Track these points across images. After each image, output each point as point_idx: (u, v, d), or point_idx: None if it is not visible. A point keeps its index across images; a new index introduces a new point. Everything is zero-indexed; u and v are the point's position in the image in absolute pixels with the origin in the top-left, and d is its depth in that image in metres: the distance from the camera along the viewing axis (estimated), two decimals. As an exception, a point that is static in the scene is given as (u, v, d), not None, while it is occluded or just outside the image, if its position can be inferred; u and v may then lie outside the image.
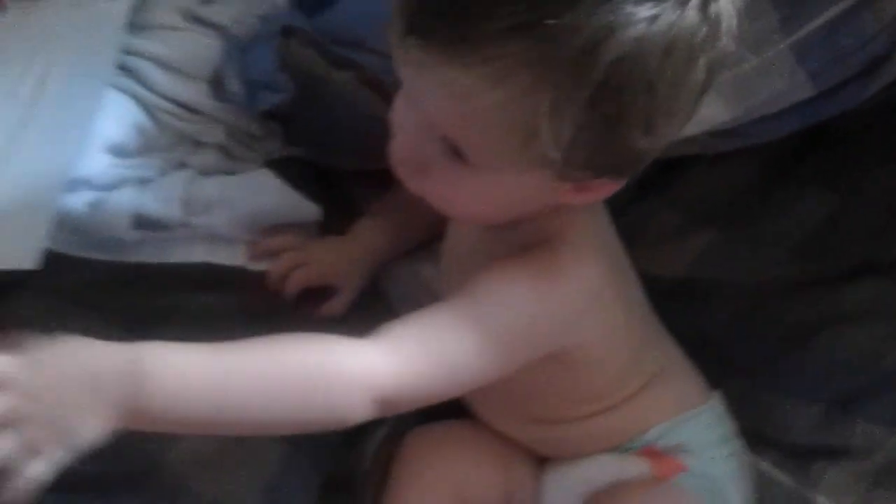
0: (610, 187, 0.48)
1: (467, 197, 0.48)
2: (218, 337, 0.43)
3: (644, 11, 0.38)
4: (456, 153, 0.45)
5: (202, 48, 0.67)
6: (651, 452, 0.60)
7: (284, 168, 0.66)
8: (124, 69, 0.64)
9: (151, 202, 0.57)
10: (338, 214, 0.68)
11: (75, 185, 0.58)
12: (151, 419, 0.38)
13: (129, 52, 0.65)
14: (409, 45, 0.42)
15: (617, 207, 0.60)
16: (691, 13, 0.40)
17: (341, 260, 0.65)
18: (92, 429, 0.37)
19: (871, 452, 0.63)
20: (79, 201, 0.57)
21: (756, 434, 0.65)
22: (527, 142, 0.42)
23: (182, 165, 0.63)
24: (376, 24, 0.65)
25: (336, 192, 0.70)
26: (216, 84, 0.67)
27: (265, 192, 0.62)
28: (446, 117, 0.44)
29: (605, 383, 0.58)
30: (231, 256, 0.60)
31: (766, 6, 0.59)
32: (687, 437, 0.60)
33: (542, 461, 0.65)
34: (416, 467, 0.62)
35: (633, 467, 0.60)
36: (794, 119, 0.62)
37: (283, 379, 0.41)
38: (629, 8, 0.38)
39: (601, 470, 0.60)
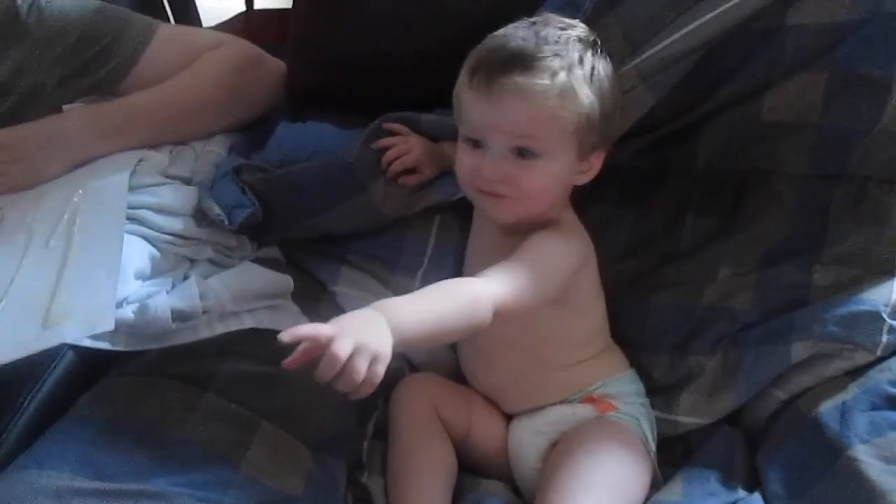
0: (597, 162, 0.80)
1: (538, 184, 0.77)
2: (245, 382, 0.75)
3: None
4: (524, 156, 0.75)
5: (181, 194, 0.90)
6: (590, 398, 0.84)
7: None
8: (130, 219, 0.85)
9: (179, 301, 0.78)
10: (303, 288, 0.91)
11: (119, 304, 0.77)
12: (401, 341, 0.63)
13: (130, 207, 0.86)
14: (497, 79, 0.74)
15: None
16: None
17: (427, 152, 0.93)
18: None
19: (701, 374, 0.88)
20: (127, 312, 0.76)
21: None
22: (575, 129, 0.75)
23: (186, 278, 0.85)
24: (311, 152, 0.93)
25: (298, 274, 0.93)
26: (199, 216, 0.89)
27: (253, 275, 0.85)
28: (524, 122, 0.74)
29: (583, 335, 0.85)
30: (239, 324, 0.82)
31: None
32: (614, 390, 0.85)
33: (506, 417, 0.88)
34: (403, 389, 0.88)
35: (581, 410, 0.84)
36: None
37: (455, 304, 0.69)
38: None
39: (557, 416, 0.84)
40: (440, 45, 0.82)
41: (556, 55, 0.75)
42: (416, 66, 1.02)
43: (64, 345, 0.74)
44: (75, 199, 0.86)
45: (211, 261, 0.88)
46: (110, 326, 0.72)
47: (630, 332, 0.92)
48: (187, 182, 0.92)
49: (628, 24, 0.89)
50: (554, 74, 0.74)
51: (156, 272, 0.84)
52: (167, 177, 0.91)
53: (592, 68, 0.77)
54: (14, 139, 0.88)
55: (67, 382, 0.75)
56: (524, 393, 0.87)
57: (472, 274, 0.77)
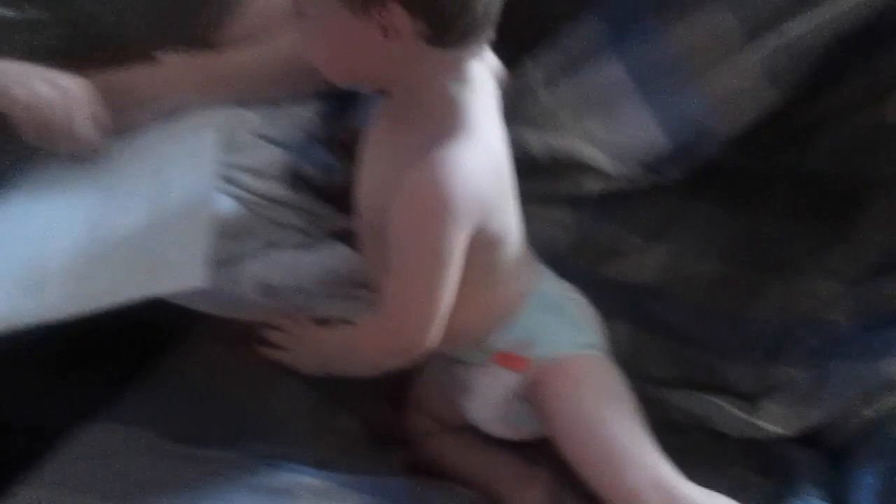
0: (393, 18, 0.58)
1: (313, 49, 0.63)
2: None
3: None
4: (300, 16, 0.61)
5: (271, 155, 0.87)
6: (500, 358, 0.76)
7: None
8: (220, 177, 0.83)
9: (266, 273, 0.77)
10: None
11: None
12: None
13: (221, 165, 0.83)
14: None
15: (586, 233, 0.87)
16: None
17: None
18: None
19: (788, 386, 0.86)
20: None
21: (713, 384, 0.87)
22: None
23: (272, 243, 0.83)
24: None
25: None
26: (287, 179, 0.87)
27: (344, 259, 0.83)
28: None
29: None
30: (325, 309, 0.80)
31: None
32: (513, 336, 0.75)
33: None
34: None
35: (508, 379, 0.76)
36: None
37: None
38: None
39: (493, 390, 0.77)
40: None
41: None
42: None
43: None
44: (166, 149, 0.84)
45: (297, 227, 0.86)
46: (204, 283, 0.69)
47: (719, 338, 0.90)
48: (278, 144, 0.90)
49: (747, 10, 0.83)
50: None
51: (243, 234, 0.82)
52: (259, 137, 0.89)
53: None
54: (109, 85, 0.86)
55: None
56: None
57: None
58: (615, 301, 0.90)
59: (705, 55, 0.83)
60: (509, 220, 0.70)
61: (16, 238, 0.76)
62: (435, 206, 0.62)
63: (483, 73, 0.67)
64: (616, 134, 0.85)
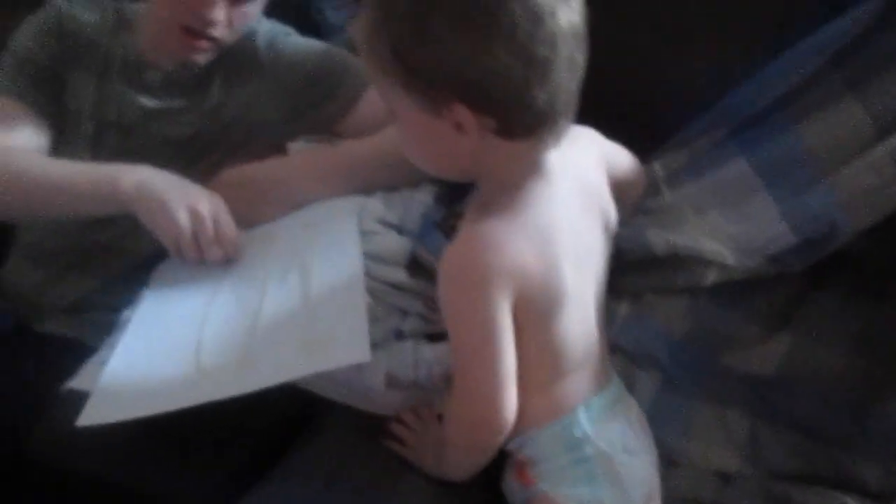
0: (463, 117, 0.63)
1: (407, 145, 0.70)
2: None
3: None
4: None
5: (395, 242, 0.91)
6: (517, 464, 0.75)
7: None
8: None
9: (394, 365, 0.79)
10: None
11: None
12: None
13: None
14: None
15: (704, 321, 0.87)
16: None
17: None
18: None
19: (923, 487, 0.83)
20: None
21: (840, 480, 0.84)
22: (378, 62, 0.63)
23: (399, 332, 0.86)
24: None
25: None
26: (410, 266, 0.90)
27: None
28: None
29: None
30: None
31: None
32: (533, 451, 0.74)
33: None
34: None
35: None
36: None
37: None
38: None
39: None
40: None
41: None
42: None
43: None
44: (303, 236, 0.88)
45: (420, 315, 0.89)
46: (368, 357, 0.72)
47: (845, 432, 0.87)
48: (398, 230, 0.93)
49: (879, 104, 0.82)
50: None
51: (371, 321, 0.85)
52: (383, 224, 0.93)
53: None
54: (244, 178, 0.91)
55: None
56: None
57: None
58: (735, 390, 0.89)
59: (836, 151, 0.82)
60: (564, 307, 0.71)
61: (173, 323, 0.80)
62: (462, 272, 0.67)
63: (568, 163, 0.71)
64: (740, 228, 0.85)
